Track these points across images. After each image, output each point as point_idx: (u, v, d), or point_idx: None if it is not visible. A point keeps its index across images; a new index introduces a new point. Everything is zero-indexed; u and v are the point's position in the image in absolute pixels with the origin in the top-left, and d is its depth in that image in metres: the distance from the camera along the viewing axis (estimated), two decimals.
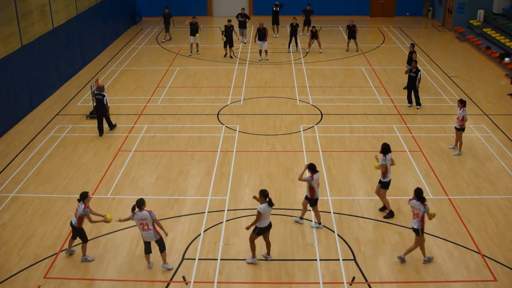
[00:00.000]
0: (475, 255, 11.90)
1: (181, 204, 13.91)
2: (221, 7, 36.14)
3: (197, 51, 27.57)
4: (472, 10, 31.04)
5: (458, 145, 16.52)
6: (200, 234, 12.65)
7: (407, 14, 35.90)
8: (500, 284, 11.03)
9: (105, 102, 17.64)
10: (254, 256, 11.63)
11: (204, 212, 13.55)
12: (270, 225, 11.46)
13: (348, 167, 15.72)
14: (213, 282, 11.13)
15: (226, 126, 18.57)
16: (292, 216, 13.25)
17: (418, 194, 11.24)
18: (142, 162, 16.18)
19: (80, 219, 11.53)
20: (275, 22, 30.42)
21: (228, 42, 26.33)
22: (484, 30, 29.05)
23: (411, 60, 21.38)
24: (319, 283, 11.09)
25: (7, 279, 11.30)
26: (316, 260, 11.77)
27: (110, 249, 12.20)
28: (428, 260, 11.62)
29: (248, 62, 25.95)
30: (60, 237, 12.64)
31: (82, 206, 11.48)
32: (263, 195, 11.24)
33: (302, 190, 14.44)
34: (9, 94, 18.79)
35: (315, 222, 12.94)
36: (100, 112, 17.82)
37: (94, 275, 11.40)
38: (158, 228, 11.26)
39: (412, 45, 22.27)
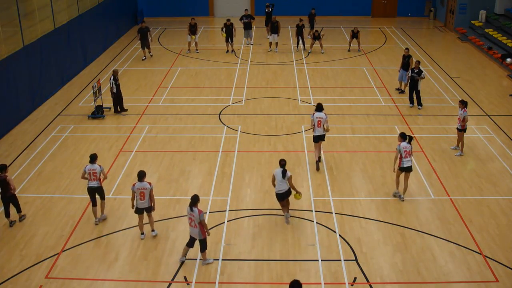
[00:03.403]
0: (477, 256, 11.89)
1: (182, 204, 13.90)
2: (222, 8, 36.16)
3: (196, 50, 27.65)
4: (474, 10, 31.01)
5: (459, 145, 16.50)
6: None
7: (409, 14, 35.89)
8: (501, 284, 11.03)
9: (111, 85, 19.36)
10: None
11: (206, 213, 13.55)
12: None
13: (350, 168, 15.71)
14: (215, 283, 11.14)
15: (227, 127, 18.57)
16: (294, 217, 13.24)
17: (404, 136, 13.56)
18: (144, 162, 16.19)
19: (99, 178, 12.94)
20: (269, 23, 30.28)
21: (229, 38, 26.91)
22: (486, 30, 29.03)
23: (406, 65, 21.17)
24: (320, 283, 11.09)
25: (8, 279, 11.32)
26: (317, 260, 11.77)
27: (112, 249, 12.21)
28: (396, 195, 13.96)
29: (249, 62, 25.96)
30: (61, 237, 12.66)
31: (97, 165, 12.86)
32: None
33: (303, 191, 14.43)
34: (11, 94, 18.81)
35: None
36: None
37: (96, 275, 11.42)
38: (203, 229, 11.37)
39: (407, 49, 21.98)
